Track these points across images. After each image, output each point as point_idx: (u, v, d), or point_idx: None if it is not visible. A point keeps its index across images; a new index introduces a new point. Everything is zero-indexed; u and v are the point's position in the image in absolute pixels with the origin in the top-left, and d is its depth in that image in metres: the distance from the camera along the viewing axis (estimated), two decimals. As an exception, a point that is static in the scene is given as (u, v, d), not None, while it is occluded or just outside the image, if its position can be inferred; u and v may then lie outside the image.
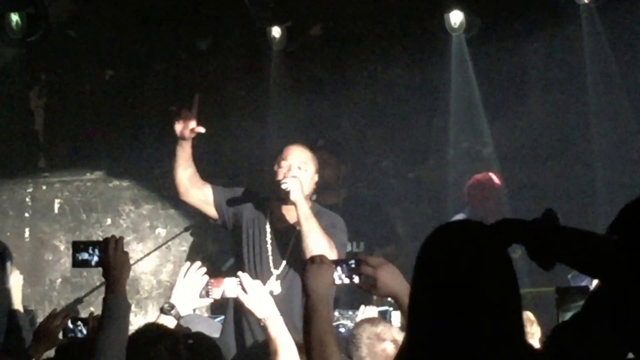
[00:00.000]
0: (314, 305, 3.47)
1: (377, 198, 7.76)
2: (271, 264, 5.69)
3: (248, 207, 5.82)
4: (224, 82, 8.09)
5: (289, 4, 7.71)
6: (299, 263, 5.46)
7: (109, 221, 8.24)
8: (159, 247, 8.04)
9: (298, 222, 5.55)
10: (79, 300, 7.88)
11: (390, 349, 4.13)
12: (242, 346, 5.59)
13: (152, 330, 4.26)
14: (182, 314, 4.83)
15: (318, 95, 7.96)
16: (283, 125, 7.76)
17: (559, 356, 2.58)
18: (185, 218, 8.00)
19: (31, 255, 8.26)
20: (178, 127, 5.65)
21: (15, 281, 5.72)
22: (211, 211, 5.85)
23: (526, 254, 2.68)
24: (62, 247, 8.23)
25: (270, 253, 5.71)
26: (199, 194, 5.81)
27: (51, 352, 5.19)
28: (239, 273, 4.86)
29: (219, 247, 7.66)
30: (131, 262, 4.43)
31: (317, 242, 5.42)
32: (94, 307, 7.36)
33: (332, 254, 5.26)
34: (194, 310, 5.39)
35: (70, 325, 5.05)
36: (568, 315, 3.23)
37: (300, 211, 5.49)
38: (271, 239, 5.73)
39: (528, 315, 4.78)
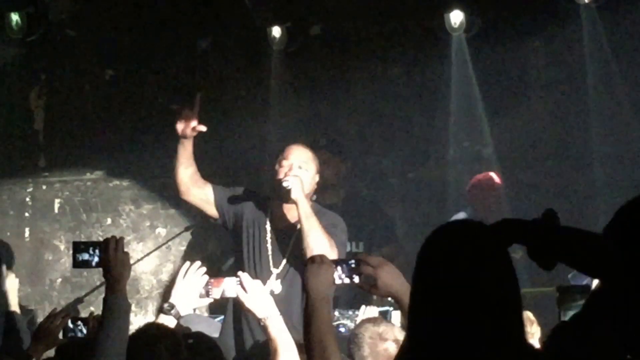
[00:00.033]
0: (314, 305, 3.47)
1: (377, 198, 7.76)
2: (271, 263, 5.70)
3: (248, 207, 5.82)
4: (224, 82, 8.09)
5: (289, 4, 7.71)
6: (299, 262, 5.46)
7: (109, 221, 8.24)
8: (159, 247, 8.04)
9: (299, 221, 5.56)
10: (79, 300, 7.88)
11: (392, 348, 4.13)
12: (242, 346, 5.59)
13: (152, 330, 4.26)
14: (182, 313, 4.83)
15: (318, 95, 7.96)
16: (283, 125, 7.76)
17: (559, 356, 2.58)
18: (186, 218, 8.00)
19: (31, 255, 8.26)
20: (180, 125, 5.65)
21: (11, 284, 5.75)
22: (212, 211, 5.85)
23: (527, 254, 2.69)
24: (62, 247, 8.23)
25: (270, 252, 5.71)
26: (200, 193, 5.82)
27: (51, 352, 5.19)
28: (239, 273, 4.86)
29: (219, 247, 7.66)
30: (131, 262, 4.43)
31: (317, 240, 5.43)
32: (94, 306, 7.36)
33: (332, 253, 5.27)
34: (194, 310, 5.39)
35: (71, 325, 5.06)
36: (569, 314, 3.23)
37: (301, 210, 5.49)
38: (271, 238, 5.73)
39: (528, 315, 4.78)
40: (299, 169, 5.63)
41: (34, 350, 5.24)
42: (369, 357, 4.20)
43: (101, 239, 4.46)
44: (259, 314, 4.58)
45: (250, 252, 5.74)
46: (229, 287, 4.80)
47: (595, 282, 2.95)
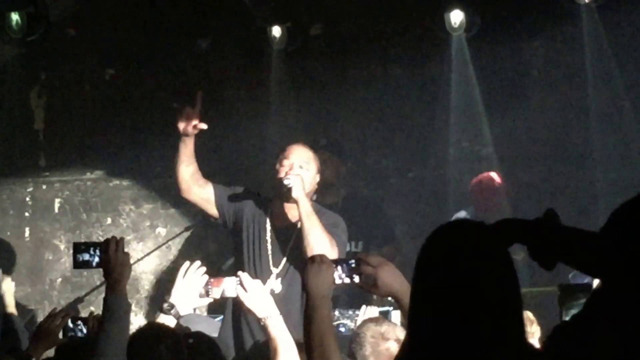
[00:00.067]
0: (314, 305, 3.47)
1: (377, 198, 7.76)
2: (271, 263, 5.69)
3: (249, 206, 5.82)
4: (224, 81, 8.09)
5: (290, 3, 7.71)
6: (299, 261, 5.46)
7: (109, 220, 8.24)
8: (159, 246, 8.04)
9: (299, 220, 5.56)
10: (79, 300, 7.87)
11: (394, 348, 4.13)
12: (241, 345, 5.59)
13: (152, 330, 4.26)
14: (181, 313, 4.83)
15: (318, 94, 7.96)
16: (283, 125, 7.77)
17: (559, 356, 2.58)
18: (186, 217, 8.01)
19: (31, 255, 8.26)
20: (181, 123, 5.66)
21: (7, 287, 5.78)
22: (212, 210, 5.85)
23: (528, 254, 2.68)
24: (62, 247, 8.23)
25: (270, 251, 5.71)
26: (201, 192, 5.81)
27: (51, 352, 5.20)
28: (239, 272, 4.86)
29: (219, 247, 7.65)
30: (131, 262, 4.43)
31: (318, 239, 5.43)
32: (94, 306, 7.37)
33: (333, 252, 5.28)
34: (194, 309, 5.39)
35: (70, 325, 5.06)
36: (571, 313, 3.23)
37: (301, 208, 5.49)
38: (271, 237, 5.73)
39: (528, 314, 4.78)
40: (300, 169, 5.63)
41: (33, 349, 5.24)
42: (370, 357, 4.19)
43: (101, 239, 4.47)
44: (259, 314, 4.58)
45: (250, 251, 5.74)
46: (228, 286, 4.80)
47: (596, 281, 2.95)
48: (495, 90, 7.73)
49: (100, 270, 4.35)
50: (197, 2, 8.02)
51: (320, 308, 3.46)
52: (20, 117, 8.29)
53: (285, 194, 5.55)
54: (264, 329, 4.58)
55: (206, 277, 4.88)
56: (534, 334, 4.82)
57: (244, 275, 4.77)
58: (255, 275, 5.36)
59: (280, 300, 5.01)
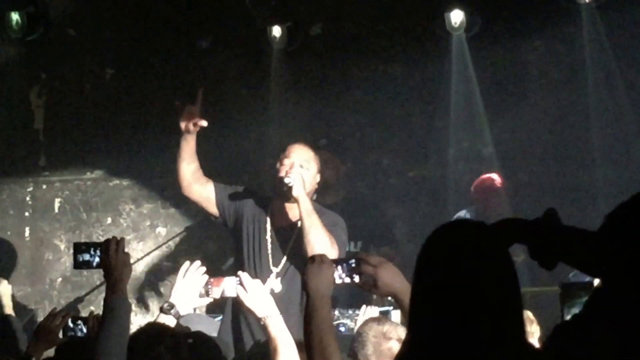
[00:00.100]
0: (314, 305, 3.47)
1: (376, 198, 7.76)
2: (271, 262, 5.70)
3: (249, 206, 5.83)
4: (224, 81, 8.09)
5: (290, 3, 7.71)
6: (299, 261, 5.47)
7: (109, 220, 8.24)
8: (159, 246, 8.04)
9: (299, 219, 5.56)
10: (79, 299, 7.88)
11: (396, 347, 4.12)
12: (241, 345, 5.59)
13: (153, 330, 4.26)
14: (181, 313, 4.83)
15: (318, 94, 7.97)
16: (283, 125, 7.77)
17: (559, 356, 2.58)
18: (186, 217, 8.01)
19: (31, 254, 8.27)
20: (182, 121, 5.66)
21: (4, 290, 5.78)
22: (212, 208, 5.85)
23: (528, 254, 2.68)
24: (62, 246, 8.23)
25: (270, 251, 5.71)
26: (202, 190, 5.82)
27: (51, 352, 5.20)
28: (239, 272, 4.86)
29: (219, 247, 7.66)
30: (132, 262, 4.43)
31: (318, 237, 5.43)
32: (94, 306, 7.37)
33: (333, 251, 5.28)
34: (195, 309, 5.39)
35: (71, 324, 5.06)
36: (573, 311, 3.23)
37: (302, 207, 5.49)
38: (271, 236, 5.73)
39: (528, 314, 4.78)
40: (300, 168, 5.63)
41: (33, 349, 5.24)
42: (372, 356, 4.19)
43: (101, 239, 4.47)
44: (259, 314, 4.58)
45: (250, 250, 5.74)
46: (228, 286, 4.79)
47: (597, 280, 2.94)
48: (495, 89, 7.73)
49: (101, 269, 4.34)
50: (197, 2, 8.02)
51: (320, 308, 3.46)
52: (20, 117, 8.29)
53: (285, 192, 5.56)
54: (264, 328, 4.57)
55: (206, 277, 4.87)
56: (534, 334, 4.82)
57: (244, 275, 4.76)
58: (255, 274, 5.36)
59: (280, 300, 5.00)
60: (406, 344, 2.72)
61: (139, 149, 8.07)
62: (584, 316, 2.61)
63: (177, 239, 8.06)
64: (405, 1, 7.91)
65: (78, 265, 4.44)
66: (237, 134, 7.94)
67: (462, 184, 7.56)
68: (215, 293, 4.85)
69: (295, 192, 5.50)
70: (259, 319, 4.60)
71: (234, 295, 4.76)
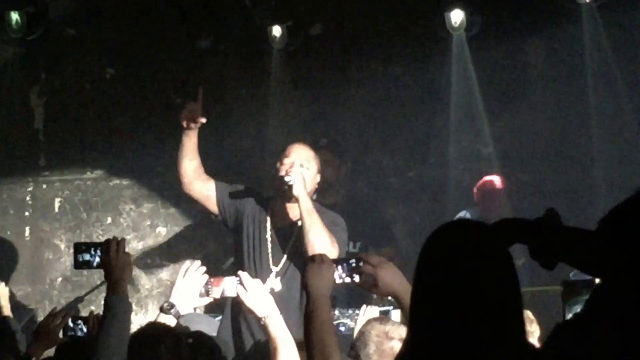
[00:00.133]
0: (314, 304, 3.47)
1: (376, 198, 7.76)
2: (271, 261, 5.70)
3: (249, 205, 5.83)
4: (224, 81, 8.09)
5: (290, 3, 7.71)
6: (299, 260, 5.47)
7: (109, 220, 8.24)
8: (159, 246, 8.04)
9: (300, 219, 5.56)
10: (79, 299, 7.88)
11: (398, 347, 4.12)
12: (241, 345, 5.60)
13: (153, 330, 4.26)
14: (181, 313, 4.83)
15: (318, 94, 7.97)
16: (283, 125, 7.76)
17: (559, 356, 2.58)
18: (186, 217, 8.01)
19: (31, 254, 8.26)
20: (184, 118, 5.67)
21: (2, 292, 5.79)
22: (212, 206, 5.85)
23: (529, 255, 2.68)
24: (62, 246, 8.23)
25: (270, 250, 5.72)
26: (202, 187, 5.82)
27: (51, 351, 5.20)
28: (239, 272, 4.86)
29: (219, 247, 7.66)
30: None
31: (318, 237, 5.43)
32: (94, 305, 7.37)
33: (333, 250, 5.29)
34: (195, 309, 5.39)
35: (71, 324, 5.06)
36: (575, 309, 3.23)
37: (302, 206, 5.49)
38: (271, 236, 5.74)
39: (528, 314, 4.77)
40: (301, 167, 5.64)
41: (33, 349, 5.24)
42: (374, 355, 4.19)
43: (101, 238, 4.47)
44: (259, 313, 4.58)
45: (250, 249, 5.74)
46: (228, 286, 4.79)
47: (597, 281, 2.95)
48: (496, 89, 7.73)
49: (101, 269, 4.35)
50: (197, 2, 8.02)
51: (320, 307, 3.46)
52: (20, 117, 8.29)
53: (286, 191, 5.56)
54: (263, 328, 4.58)
55: (206, 276, 4.88)
56: (533, 334, 4.82)
57: (244, 275, 4.77)
58: (255, 273, 5.37)
59: (280, 299, 5.00)
60: (406, 344, 2.72)
61: (139, 149, 8.07)
62: (584, 316, 2.62)
63: (177, 238, 8.05)
64: (405, 1, 7.91)
65: (78, 265, 4.45)
66: (237, 134, 7.94)
67: (462, 184, 7.56)
68: (215, 293, 4.85)
69: (295, 191, 5.51)
70: (259, 319, 4.60)
71: (234, 295, 4.77)
